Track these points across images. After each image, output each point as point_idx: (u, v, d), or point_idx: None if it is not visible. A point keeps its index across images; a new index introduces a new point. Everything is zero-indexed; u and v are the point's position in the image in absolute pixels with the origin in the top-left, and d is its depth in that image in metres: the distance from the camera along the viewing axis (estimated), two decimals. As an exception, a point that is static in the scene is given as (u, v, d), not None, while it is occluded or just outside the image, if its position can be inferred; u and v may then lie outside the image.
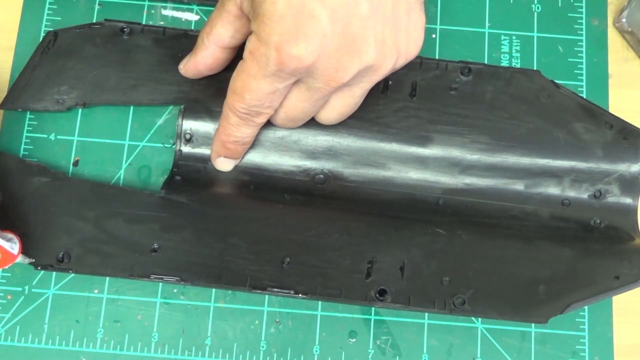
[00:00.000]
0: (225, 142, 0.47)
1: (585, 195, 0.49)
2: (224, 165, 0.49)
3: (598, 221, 0.49)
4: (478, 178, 0.49)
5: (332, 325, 0.49)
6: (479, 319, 0.49)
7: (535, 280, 0.46)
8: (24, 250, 0.45)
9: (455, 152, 0.49)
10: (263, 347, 0.48)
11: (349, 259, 0.46)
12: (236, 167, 0.49)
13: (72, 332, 0.48)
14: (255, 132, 0.47)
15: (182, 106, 0.49)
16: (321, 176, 0.49)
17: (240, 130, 0.46)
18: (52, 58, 0.50)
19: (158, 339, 0.48)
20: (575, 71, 0.53)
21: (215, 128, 0.48)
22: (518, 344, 0.49)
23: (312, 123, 0.48)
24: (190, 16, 0.53)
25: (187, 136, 0.49)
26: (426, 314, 0.49)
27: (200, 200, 0.48)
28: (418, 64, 0.50)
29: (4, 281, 0.48)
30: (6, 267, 0.45)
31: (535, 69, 0.52)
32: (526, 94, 0.50)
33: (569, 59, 0.53)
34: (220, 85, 0.49)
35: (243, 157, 0.49)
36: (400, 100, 0.50)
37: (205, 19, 0.53)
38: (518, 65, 0.52)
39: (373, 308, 0.49)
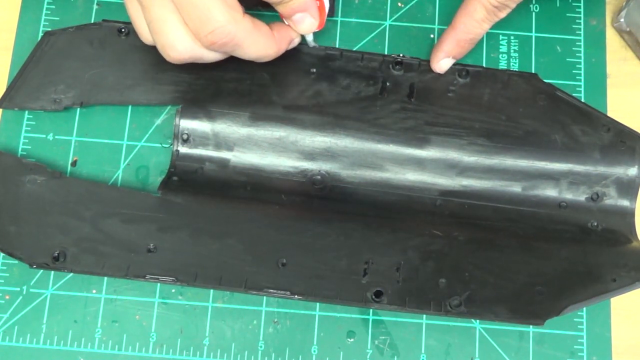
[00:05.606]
0: (460, 40, 0.48)
1: (582, 198, 0.49)
2: (446, 65, 0.50)
3: (595, 224, 0.49)
4: (475, 180, 0.49)
5: (330, 325, 0.49)
6: (477, 319, 0.49)
7: (532, 283, 0.46)
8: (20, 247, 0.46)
9: (452, 154, 0.49)
10: (261, 347, 0.48)
11: (346, 260, 0.46)
12: (233, 167, 0.49)
13: (70, 332, 0.48)
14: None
15: (180, 106, 0.49)
16: (318, 177, 0.49)
17: (482, 26, 0.48)
18: (50, 58, 0.50)
19: (156, 339, 0.48)
20: (574, 71, 0.52)
21: (213, 128, 0.48)
22: (516, 343, 0.49)
23: (309, 124, 0.48)
24: (188, 16, 0.53)
25: (185, 136, 0.49)
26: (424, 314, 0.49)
27: (197, 201, 0.48)
28: (416, 66, 0.50)
29: (2, 281, 0.49)
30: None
31: (533, 69, 0.52)
32: (523, 97, 0.50)
33: (567, 59, 0.53)
34: (218, 85, 0.49)
35: (241, 158, 0.49)
36: (398, 101, 0.49)
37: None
38: (516, 66, 0.52)
39: (371, 308, 0.49)
